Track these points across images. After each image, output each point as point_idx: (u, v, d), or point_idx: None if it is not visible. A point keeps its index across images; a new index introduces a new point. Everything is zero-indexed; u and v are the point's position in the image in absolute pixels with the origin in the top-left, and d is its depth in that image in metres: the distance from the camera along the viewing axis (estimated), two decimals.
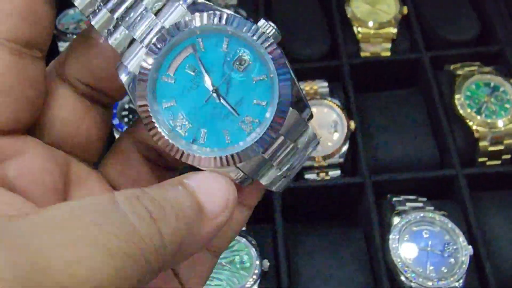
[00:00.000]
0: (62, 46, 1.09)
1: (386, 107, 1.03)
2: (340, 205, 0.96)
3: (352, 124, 0.95)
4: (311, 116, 0.36)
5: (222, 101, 0.34)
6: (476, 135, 0.94)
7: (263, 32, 0.33)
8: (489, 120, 0.94)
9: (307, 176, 0.96)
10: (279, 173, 0.35)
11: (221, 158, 0.33)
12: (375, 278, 0.87)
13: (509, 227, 0.88)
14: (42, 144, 0.35)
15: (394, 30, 1.07)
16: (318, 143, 0.37)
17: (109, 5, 0.34)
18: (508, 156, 0.95)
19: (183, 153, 0.34)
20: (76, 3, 0.34)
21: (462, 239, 0.83)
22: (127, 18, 0.34)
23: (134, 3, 0.34)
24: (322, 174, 0.96)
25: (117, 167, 0.39)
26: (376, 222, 0.87)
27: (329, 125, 0.96)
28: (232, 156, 0.33)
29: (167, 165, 0.39)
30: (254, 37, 0.33)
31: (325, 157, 0.94)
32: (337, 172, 0.96)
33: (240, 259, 0.83)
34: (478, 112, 0.95)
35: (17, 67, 0.33)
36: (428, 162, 0.97)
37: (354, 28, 1.08)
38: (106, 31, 0.34)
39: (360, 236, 0.91)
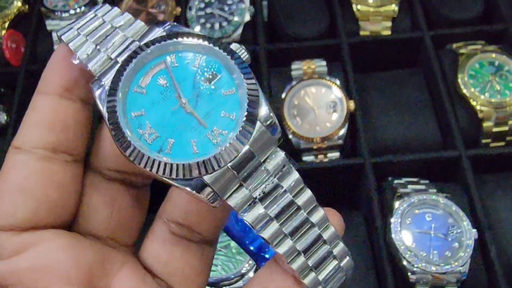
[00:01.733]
0: (50, 24, 1.04)
1: (386, 87, 0.99)
2: (339, 188, 0.93)
3: (352, 105, 0.92)
4: (281, 140, 0.35)
5: (190, 111, 0.34)
6: (480, 115, 0.91)
7: (235, 51, 0.35)
8: (493, 100, 0.91)
9: (305, 158, 0.92)
10: (247, 194, 0.34)
11: (186, 165, 0.33)
12: (376, 263, 0.84)
13: None
14: (67, 234, 0.36)
15: (395, 8, 1.03)
16: (293, 166, 0.35)
17: (94, 37, 0.36)
18: None
19: (148, 160, 0.33)
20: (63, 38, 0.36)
21: (466, 222, 0.80)
22: (107, 44, 0.35)
23: (113, 32, 0.36)
24: (321, 156, 0.92)
25: (152, 250, 0.38)
26: (377, 205, 0.84)
27: (327, 105, 0.93)
28: (197, 164, 0.33)
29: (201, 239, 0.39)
30: (226, 54, 0.34)
31: (323, 139, 0.91)
32: (336, 154, 0.93)
33: (236, 244, 0.80)
34: (482, 92, 0.92)
35: (43, 171, 0.35)
36: (430, 143, 0.94)
37: (354, 6, 1.04)
38: (85, 56, 0.35)
39: (360, 219, 0.88)
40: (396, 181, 0.86)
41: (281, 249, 0.34)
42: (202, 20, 1.05)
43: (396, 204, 0.82)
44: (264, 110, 0.34)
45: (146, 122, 0.34)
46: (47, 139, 0.35)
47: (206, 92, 0.34)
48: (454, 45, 0.98)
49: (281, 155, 0.34)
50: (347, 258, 0.36)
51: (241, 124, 0.33)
